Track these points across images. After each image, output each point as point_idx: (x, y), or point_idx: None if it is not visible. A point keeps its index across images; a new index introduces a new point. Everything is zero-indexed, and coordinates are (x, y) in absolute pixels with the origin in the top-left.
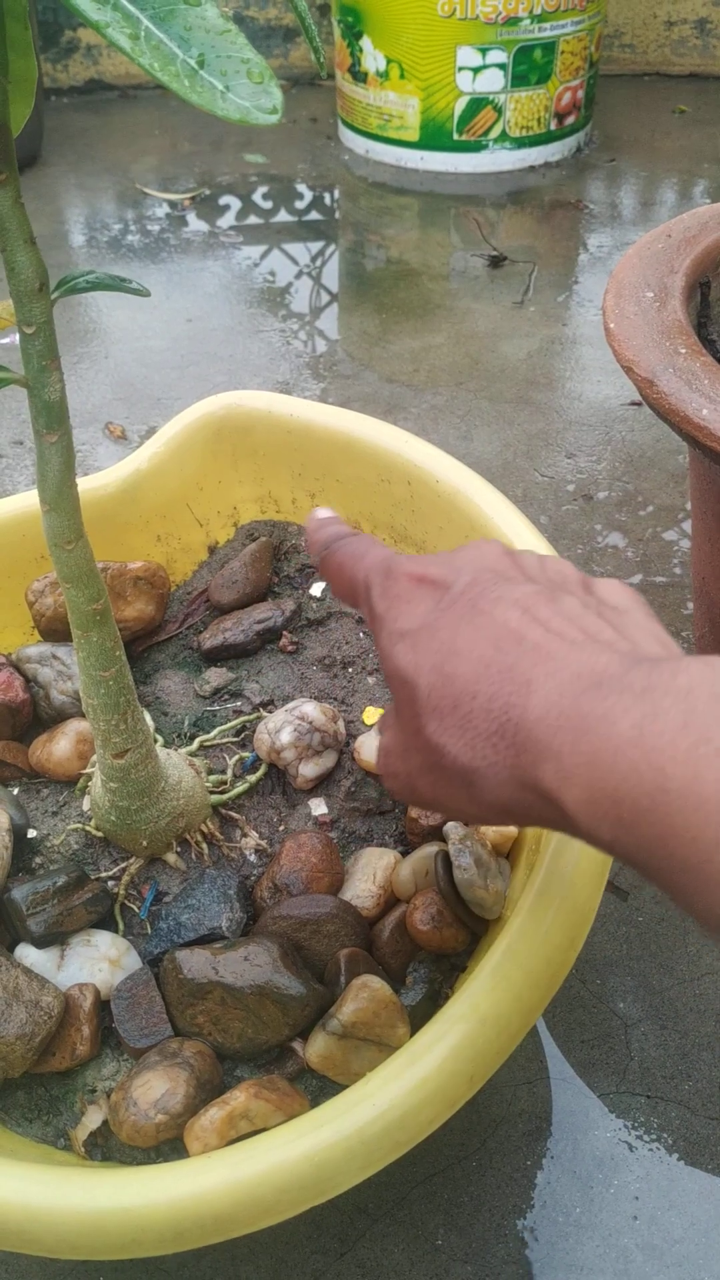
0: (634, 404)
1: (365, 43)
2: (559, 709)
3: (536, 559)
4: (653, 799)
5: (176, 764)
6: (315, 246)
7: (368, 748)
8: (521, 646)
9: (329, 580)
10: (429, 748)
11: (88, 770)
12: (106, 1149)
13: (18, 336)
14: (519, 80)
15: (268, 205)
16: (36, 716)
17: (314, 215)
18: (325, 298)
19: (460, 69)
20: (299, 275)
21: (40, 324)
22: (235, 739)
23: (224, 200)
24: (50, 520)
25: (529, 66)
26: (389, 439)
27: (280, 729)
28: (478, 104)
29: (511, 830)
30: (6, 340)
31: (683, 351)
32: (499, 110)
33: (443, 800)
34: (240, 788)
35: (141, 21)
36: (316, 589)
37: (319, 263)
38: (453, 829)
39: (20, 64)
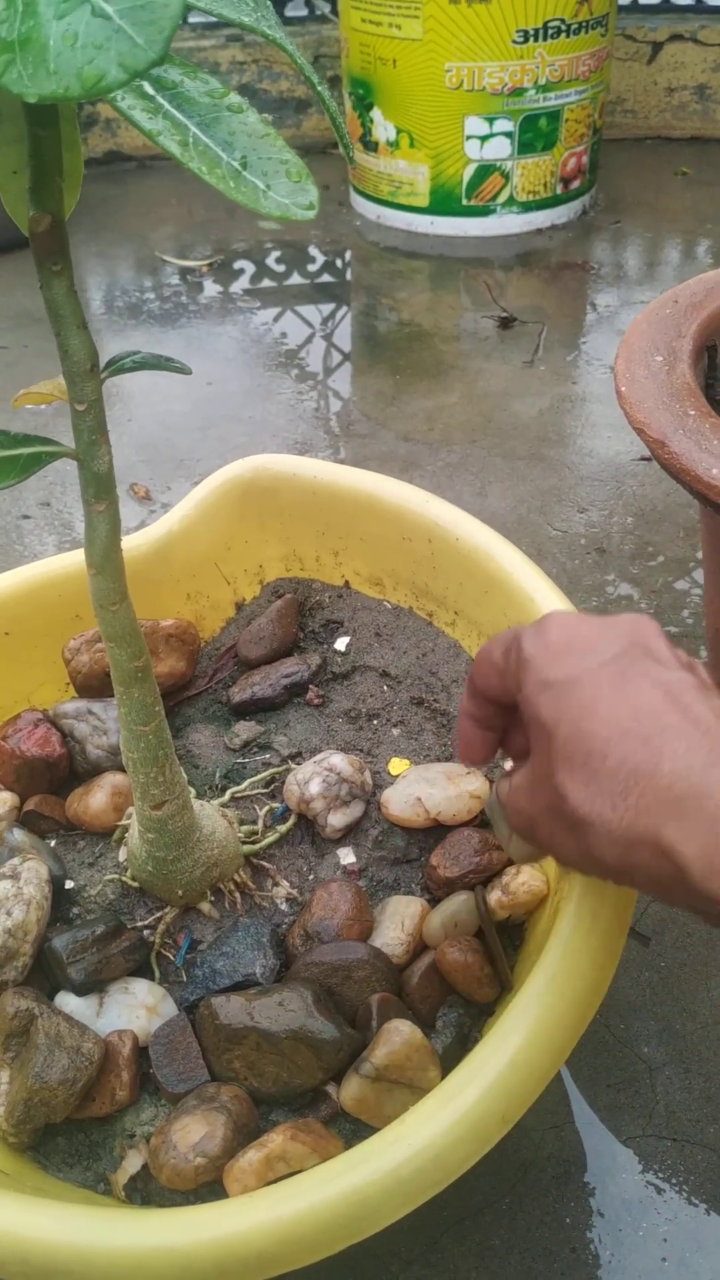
0: (643, 459)
1: (376, 114)
2: (687, 779)
3: (685, 657)
4: None
5: (210, 815)
6: (328, 309)
7: (395, 801)
8: (659, 723)
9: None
10: (554, 792)
11: (124, 822)
12: (146, 1193)
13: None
14: (525, 147)
15: (281, 269)
16: (73, 770)
17: (327, 278)
18: (340, 359)
19: (468, 137)
20: (314, 338)
21: (91, 402)
22: (265, 790)
23: (239, 265)
24: (97, 583)
25: (535, 134)
26: (410, 498)
27: (309, 780)
28: (485, 170)
29: (540, 888)
30: None
31: (692, 413)
32: (506, 176)
33: (555, 843)
34: (271, 838)
35: (189, 128)
36: (340, 644)
37: (332, 325)
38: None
39: (70, 159)
